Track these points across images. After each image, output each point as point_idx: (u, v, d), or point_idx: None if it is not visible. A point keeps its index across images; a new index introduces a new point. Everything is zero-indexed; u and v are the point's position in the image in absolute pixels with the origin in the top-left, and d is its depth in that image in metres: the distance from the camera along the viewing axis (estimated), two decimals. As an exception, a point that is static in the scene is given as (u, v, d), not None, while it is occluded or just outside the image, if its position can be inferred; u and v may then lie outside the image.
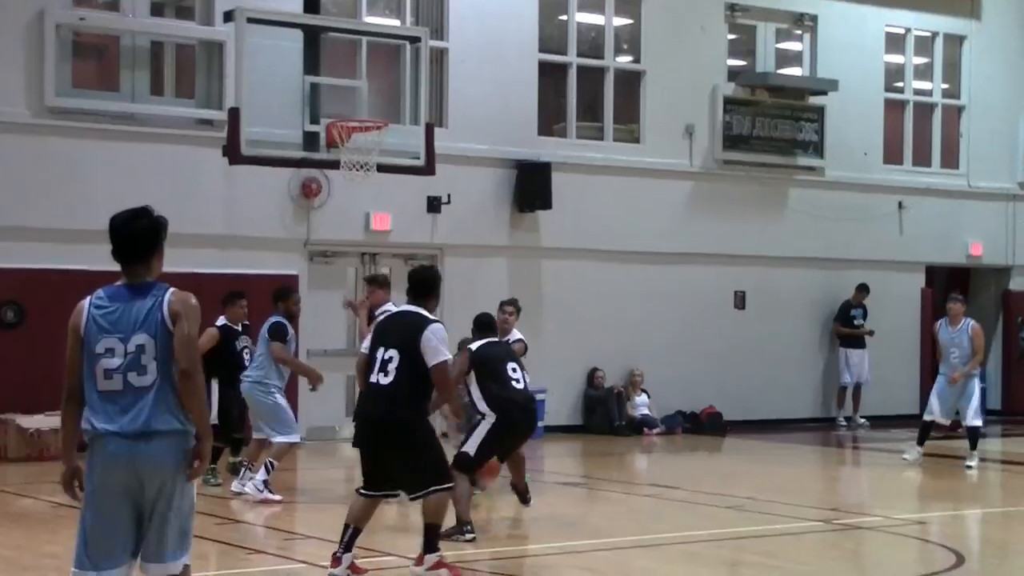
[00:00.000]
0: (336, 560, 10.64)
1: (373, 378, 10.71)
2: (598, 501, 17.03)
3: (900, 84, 28.07)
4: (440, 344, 10.63)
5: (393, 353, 10.64)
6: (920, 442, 19.79)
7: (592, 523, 14.74)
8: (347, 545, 10.64)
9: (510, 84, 23.31)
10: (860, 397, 26.06)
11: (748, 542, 13.61)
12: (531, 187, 23.07)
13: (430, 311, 10.95)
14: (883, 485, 19.35)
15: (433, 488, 10.60)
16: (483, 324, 14.05)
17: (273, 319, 15.64)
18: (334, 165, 18.69)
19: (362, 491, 10.80)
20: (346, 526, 10.68)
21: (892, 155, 27.77)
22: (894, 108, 27.87)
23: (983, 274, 29.13)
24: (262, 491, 15.16)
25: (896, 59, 27.98)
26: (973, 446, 19.58)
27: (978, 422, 19.66)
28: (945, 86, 28.62)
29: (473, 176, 22.59)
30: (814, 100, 26.27)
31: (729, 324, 25.11)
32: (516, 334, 15.59)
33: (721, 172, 25.39)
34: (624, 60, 25.11)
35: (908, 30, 28.02)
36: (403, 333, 10.74)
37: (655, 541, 13.37)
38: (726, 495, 16.27)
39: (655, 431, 23.65)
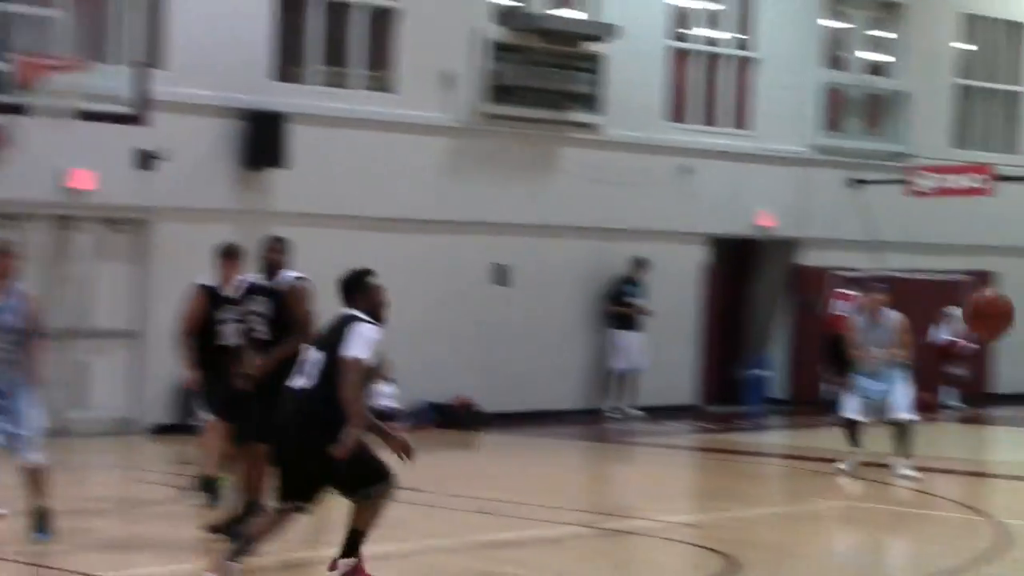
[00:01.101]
0: None
1: None
2: (324, 506, 16.16)
3: (687, 31, 27.91)
4: None
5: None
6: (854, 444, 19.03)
7: (313, 532, 13.67)
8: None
9: (238, 18, 22.47)
10: (634, 385, 25.83)
11: (500, 551, 13.51)
12: (262, 141, 22.37)
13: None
14: (654, 484, 19.31)
15: None
16: None
17: None
18: (24, 110, 18.51)
19: None
20: None
21: (676, 112, 27.68)
22: (680, 59, 27.75)
23: (772, 247, 29.08)
24: None
25: (682, 3, 27.80)
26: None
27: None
28: (736, 36, 28.55)
29: (193, 127, 21.79)
30: (592, 47, 25.80)
31: (489, 302, 24.67)
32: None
33: (483, 127, 24.88)
34: (376, -5, 24.47)
35: (696, -28, 27.84)
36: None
37: (392, 553, 12.65)
38: (478, 498, 16.02)
39: (401, 425, 22.83)
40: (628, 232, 25.81)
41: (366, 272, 11.68)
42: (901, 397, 18.55)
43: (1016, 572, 13.28)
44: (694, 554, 13.54)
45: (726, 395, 28.07)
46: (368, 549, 12.18)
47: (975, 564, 13.00)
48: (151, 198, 21.44)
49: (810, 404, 27.92)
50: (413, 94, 24.15)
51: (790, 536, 15.10)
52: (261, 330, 13.64)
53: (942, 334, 29.19)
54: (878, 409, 18.60)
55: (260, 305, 13.78)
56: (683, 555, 13.79)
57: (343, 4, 23.79)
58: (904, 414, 18.48)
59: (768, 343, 28.84)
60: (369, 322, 11.01)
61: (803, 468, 21.25)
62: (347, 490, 11.04)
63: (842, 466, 18.64)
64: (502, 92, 24.80)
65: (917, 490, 17.78)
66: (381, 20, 24.17)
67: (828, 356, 28.07)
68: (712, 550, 13.13)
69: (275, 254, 14.25)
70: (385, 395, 23.02)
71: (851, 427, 18.69)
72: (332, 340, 11.03)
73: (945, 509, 17.12)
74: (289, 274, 13.98)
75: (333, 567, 10.95)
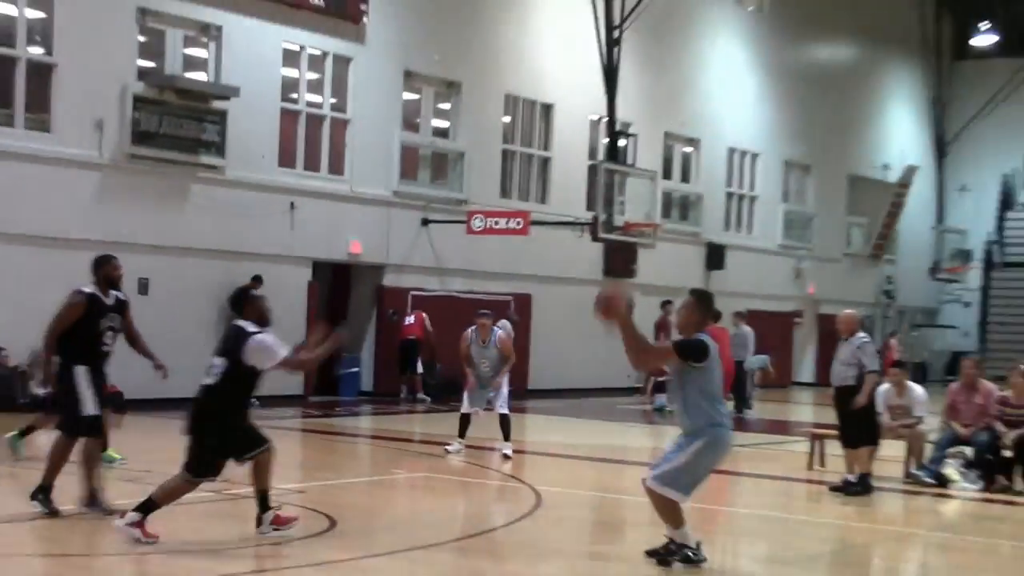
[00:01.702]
0: None
1: None
2: None
3: (295, 95, 27.95)
4: None
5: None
6: (462, 434, 18.79)
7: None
8: None
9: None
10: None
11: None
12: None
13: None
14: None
15: None
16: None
17: None
18: None
19: None
20: None
21: (286, 159, 27.57)
22: (289, 116, 27.71)
23: (362, 270, 29.31)
24: None
25: (292, 73, 27.83)
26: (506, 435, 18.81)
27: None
28: (334, 100, 28.65)
29: None
30: (218, 104, 25.63)
31: (135, 308, 23.82)
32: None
33: (129, 165, 24.39)
34: (37, 51, 23.69)
35: (303, 47, 27.88)
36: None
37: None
38: (121, 468, 15.51)
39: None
40: (248, 254, 25.65)
41: (249, 288, 12.39)
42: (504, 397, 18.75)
43: (548, 526, 13.42)
44: (302, 515, 12.65)
45: (326, 388, 28.08)
46: None
47: (518, 520, 13.39)
48: None
49: (390, 396, 28.63)
50: (69, 135, 23.56)
51: (378, 500, 15.14)
52: None
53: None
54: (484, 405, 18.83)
55: None
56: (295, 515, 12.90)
57: (10, 57, 23.06)
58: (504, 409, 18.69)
59: (359, 346, 29.04)
60: (259, 331, 11.30)
61: (387, 447, 21.42)
62: (238, 456, 11.37)
63: (451, 448, 18.60)
64: (144, 137, 24.39)
65: (479, 465, 17.97)
66: (42, 72, 23.50)
67: (401, 358, 28.92)
68: (316, 511, 13.03)
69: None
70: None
71: (464, 419, 18.70)
72: (229, 347, 11.30)
73: (498, 480, 17.42)
74: None
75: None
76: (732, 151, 40.09)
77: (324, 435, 22.35)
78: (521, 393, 30.62)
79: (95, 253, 22.55)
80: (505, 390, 18.84)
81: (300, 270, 27.38)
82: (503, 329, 20.69)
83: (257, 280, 25.27)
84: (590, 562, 11.87)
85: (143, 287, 24.05)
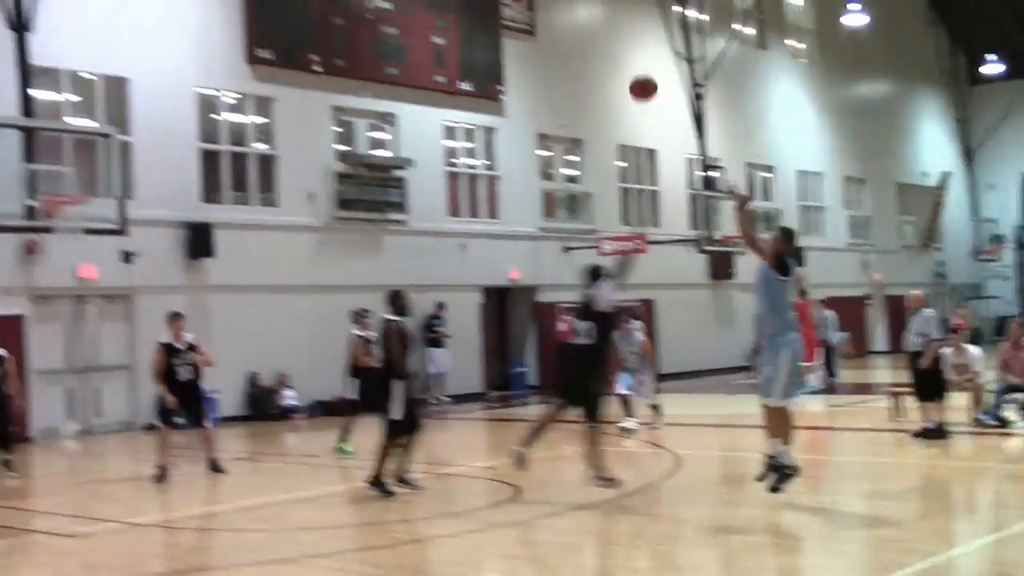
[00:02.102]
0: None
1: None
2: (261, 469, 16.34)
3: (455, 160, 28.13)
4: None
5: None
6: (630, 414, 18.36)
7: (256, 485, 14.06)
8: None
9: (179, 166, 22.39)
10: (442, 382, 25.76)
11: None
12: (198, 241, 22.20)
13: None
14: (463, 443, 19.21)
15: None
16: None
17: None
18: (49, 230, 17.81)
19: None
20: None
21: (454, 210, 27.79)
22: (453, 177, 27.92)
23: (520, 291, 29.40)
24: None
25: (452, 143, 28.06)
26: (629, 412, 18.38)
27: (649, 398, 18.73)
28: (486, 161, 28.83)
29: (155, 234, 21.52)
30: (398, 173, 26.01)
31: (348, 334, 24.29)
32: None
33: (336, 226, 24.86)
34: (262, 147, 24.25)
35: (458, 123, 28.11)
36: None
37: (307, 497, 12.88)
38: (351, 459, 15.83)
39: (300, 416, 23.02)
40: (432, 286, 25.76)
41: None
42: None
43: (688, 481, 13.35)
44: (494, 487, 13.09)
45: (501, 385, 28.37)
46: (290, 496, 12.68)
47: (665, 479, 13.25)
48: (132, 280, 21.25)
49: (552, 388, 28.61)
50: (291, 207, 24.10)
51: (553, 471, 14.60)
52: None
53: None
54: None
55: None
56: (487, 487, 13.42)
57: (243, 154, 23.78)
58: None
59: (524, 350, 29.24)
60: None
61: (556, 429, 21.28)
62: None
63: (626, 424, 18.07)
64: (346, 203, 24.83)
65: (628, 437, 17.55)
66: (267, 162, 24.09)
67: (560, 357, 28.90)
68: (504, 483, 13.02)
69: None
70: (289, 396, 23.27)
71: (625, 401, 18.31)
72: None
73: (646, 448, 17.03)
74: (189, 335, 14.53)
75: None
76: (801, 172, 39.65)
77: (504, 422, 22.41)
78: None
79: (317, 296, 23.65)
80: (648, 379, 18.76)
81: (472, 295, 27.57)
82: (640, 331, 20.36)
83: (441, 306, 25.74)
84: (725, 508, 11.93)
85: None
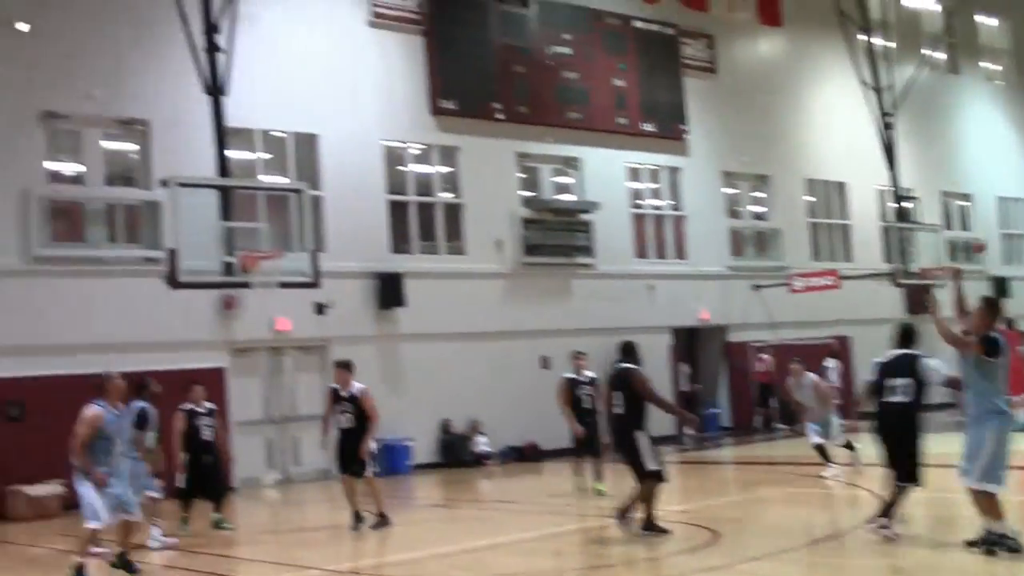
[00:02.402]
0: None
1: None
2: (457, 516, 16.41)
3: (640, 202, 27.99)
4: None
5: None
6: (827, 460, 17.57)
7: (452, 532, 14.09)
8: None
9: (368, 218, 22.80)
10: None
11: (573, 536, 13.31)
12: (389, 291, 22.51)
13: None
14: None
15: None
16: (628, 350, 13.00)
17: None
18: (246, 285, 18.21)
19: None
20: None
21: (640, 251, 27.63)
22: (638, 219, 27.78)
23: (710, 331, 28.99)
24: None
25: (636, 185, 27.93)
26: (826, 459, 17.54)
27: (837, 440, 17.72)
28: (671, 202, 28.59)
29: (347, 286, 21.89)
30: (584, 216, 25.98)
31: (539, 379, 24.10)
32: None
33: (523, 271, 24.97)
34: (448, 196, 24.54)
35: (642, 165, 27.97)
36: None
37: (504, 543, 12.84)
38: (547, 504, 15.98)
39: (493, 462, 23.06)
40: (620, 329, 24.68)
41: (631, 341, 12.76)
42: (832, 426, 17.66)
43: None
44: (687, 531, 12.64)
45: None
46: (487, 542, 12.64)
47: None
48: (325, 332, 21.66)
49: (745, 428, 28.12)
50: (478, 254, 24.32)
51: (750, 513, 14.72)
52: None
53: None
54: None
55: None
56: (683, 532, 12.67)
57: (430, 204, 24.14)
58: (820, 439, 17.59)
59: (715, 391, 28.85)
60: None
61: (751, 470, 21.12)
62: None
63: (825, 473, 17.27)
64: (532, 249, 24.96)
65: (829, 479, 17.06)
66: (454, 211, 24.39)
67: (758, 397, 28.43)
68: (699, 526, 12.79)
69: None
70: (482, 443, 23.35)
71: (820, 449, 17.58)
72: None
73: (845, 490, 16.55)
74: (358, 385, 14.44)
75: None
76: (1002, 199, 38.11)
77: (698, 464, 22.07)
78: (851, 416, 29.84)
79: (506, 342, 23.71)
80: (834, 424, 17.84)
81: (661, 336, 27.18)
82: (821, 372, 19.54)
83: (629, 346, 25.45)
84: (931, 552, 11.38)
85: (545, 363, 24.52)
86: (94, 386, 11.80)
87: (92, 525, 11.08)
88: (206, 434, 14.87)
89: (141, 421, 13.47)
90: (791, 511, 15.12)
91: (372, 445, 14.55)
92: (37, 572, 12.93)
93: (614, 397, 12.58)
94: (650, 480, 12.41)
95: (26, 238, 18.92)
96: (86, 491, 11.12)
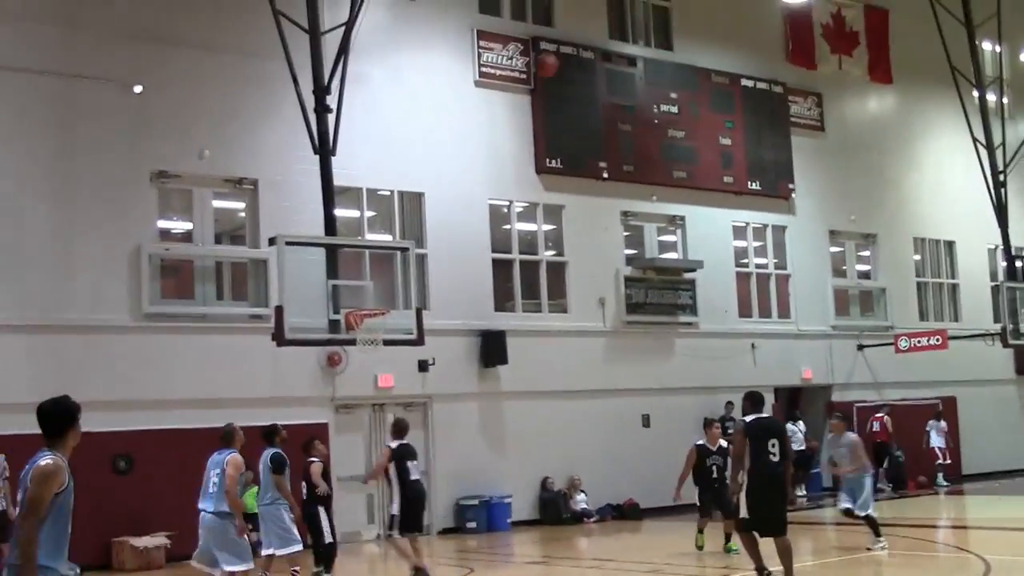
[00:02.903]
0: None
1: None
2: (554, 573, 16.28)
3: (745, 260, 27.74)
4: None
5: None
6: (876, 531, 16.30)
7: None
8: None
9: (472, 276, 22.85)
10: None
11: None
12: (492, 348, 22.50)
13: None
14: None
15: None
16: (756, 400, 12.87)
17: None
18: (351, 342, 18.40)
19: None
20: None
21: (744, 310, 27.34)
22: (742, 278, 27.52)
23: (813, 391, 28.55)
24: None
25: (741, 244, 27.72)
26: (876, 531, 16.24)
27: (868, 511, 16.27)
28: (775, 260, 28.29)
29: (450, 343, 21.92)
30: (687, 275, 25.84)
31: (639, 437, 24.35)
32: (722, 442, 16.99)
33: (626, 330, 24.82)
34: (551, 254, 24.56)
35: (748, 224, 27.78)
36: None
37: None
38: (647, 563, 15.76)
39: (592, 519, 22.88)
40: (722, 388, 25.28)
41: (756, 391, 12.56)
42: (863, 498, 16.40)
43: None
44: None
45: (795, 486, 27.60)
46: None
47: None
48: (427, 389, 21.75)
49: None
50: (580, 312, 24.22)
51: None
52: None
53: (932, 440, 28.82)
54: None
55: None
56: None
57: (534, 262, 24.10)
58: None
59: (818, 450, 28.23)
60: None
61: (856, 530, 20.62)
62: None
63: (873, 546, 15.98)
64: (635, 307, 24.83)
65: (933, 542, 16.87)
66: (557, 269, 24.36)
67: (876, 457, 27.56)
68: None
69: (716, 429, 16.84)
70: (581, 500, 23.17)
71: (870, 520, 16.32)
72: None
73: (953, 553, 16.57)
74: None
75: None
76: (1116, 259, 37.00)
77: (799, 524, 21.55)
78: (956, 478, 29.17)
79: (607, 400, 23.60)
80: (866, 490, 16.50)
81: (765, 395, 26.73)
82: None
83: (731, 405, 25.16)
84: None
85: (645, 421, 24.40)
86: (219, 437, 12.59)
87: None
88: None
89: (278, 466, 13.95)
90: (893, 573, 14.98)
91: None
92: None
93: (771, 445, 12.17)
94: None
95: (137, 295, 19.28)
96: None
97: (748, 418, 12.46)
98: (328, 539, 14.69)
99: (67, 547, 6.66)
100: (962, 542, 16.90)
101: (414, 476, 14.78)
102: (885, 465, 27.61)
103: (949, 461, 28.86)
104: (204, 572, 12.40)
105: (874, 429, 27.22)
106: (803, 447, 25.66)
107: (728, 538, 16.16)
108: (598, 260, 24.68)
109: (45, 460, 6.60)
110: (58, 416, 6.84)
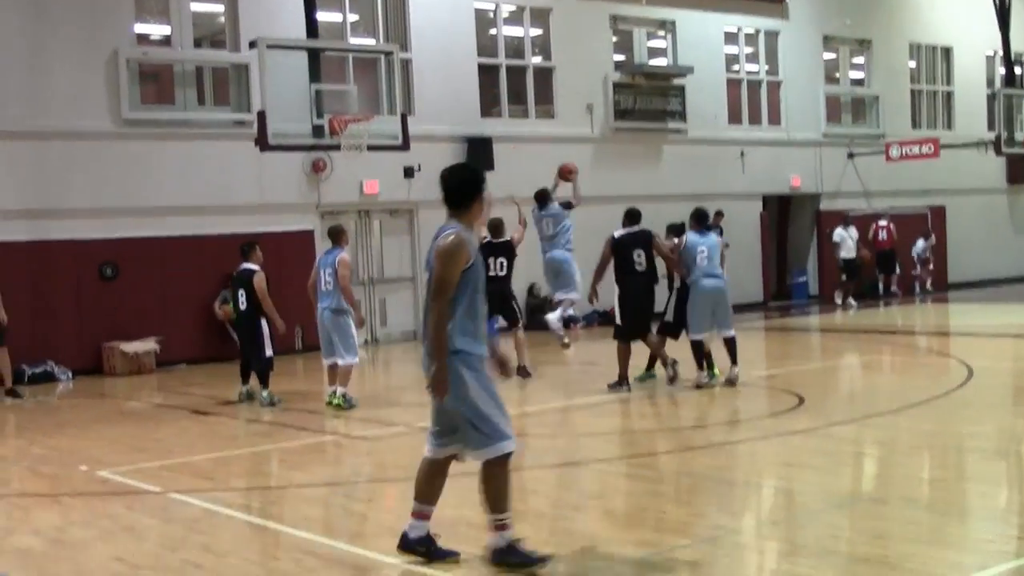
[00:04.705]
0: None
1: None
2: (544, 376, 16.63)
3: (736, 67, 27.60)
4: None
5: None
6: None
7: (537, 392, 14.25)
8: None
9: (459, 81, 22.78)
10: None
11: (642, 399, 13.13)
12: (478, 155, 22.46)
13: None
14: (744, 352, 18.68)
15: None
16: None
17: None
18: (335, 148, 18.56)
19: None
20: None
21: (733, 117, 27.34)
22: (733, 84, 27.43)
23: (801, 199, 28.81)
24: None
25: (732, 50, 27.54)
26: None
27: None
28: (767, 67, 28.17)
29: (436, 149, 21.69)
30: (677, 81, 25.76)
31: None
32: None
33: (614, 136, 24.89)
34: (539, 60, 24.42)
35: (739, 28, 27.55)
36: None
37: (587, 404, 12.98)
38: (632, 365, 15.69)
39: (579, 325, 23.28)
40: (710, 195, 24.75)
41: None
42: None
43: (979, 392, 13.14)
44: (775, 395, 13.11)
45: (781, 294, 28.15)
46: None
47: (955, 389, 12.94)
48: (413, 196, 21.82)
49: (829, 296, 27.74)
50: (568, 119, 24.24)
51: (834, 380, 14.85)
52: None
53: (918, 249, 29.20)
54: None
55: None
56: (769, 396, 13.40)
57: (521, 67, 24.03)
58: None
59: (805, 259, 28.74)
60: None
61: (836, 337, 21.16)
62: None
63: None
64: (624, 114, 24.89)
65: (917, 348, 17.38)
66: (544, 75, 24.28)
67: (881, 265, 27.71)
68: (786, 391, 12.99)
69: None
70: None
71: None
72: None
73: (937, 358, 16.96)
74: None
75: None
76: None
77: (784, 331, 22.17)
78: (942, 286, 29.68)
79: (595, 206, 23.67)
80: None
81: (752, 204, 27.16)
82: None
83: (719, 214, 25.27)
84: (1017, 420, 11.44)
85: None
86: (328, 235, 13.66)
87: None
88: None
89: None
90: (875, 377, 15.28)
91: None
92: (132, 423, 13.41)
93: (636, 255, 13.63)
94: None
95: (116, 101, 19.18)
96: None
97: (616, 232, 13.96)
98: (269, 352, 14.05)
99: (483, 327, 6.37)
100: (947, 347, 17.29)
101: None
102: (897, 271, 27.87)
103: (921, 274, 29.29)
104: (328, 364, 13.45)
105: (880, 237, 27.26)
106: (852, 255, 25.82)
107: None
108: (586, 66, 24.57)
109: (447, 236, 6.23)
110: (461, 185, 6.41)
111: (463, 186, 6.41)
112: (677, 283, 13.98)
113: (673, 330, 14.00)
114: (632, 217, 14.06)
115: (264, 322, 13.94)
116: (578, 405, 13.21)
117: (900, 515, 7.47)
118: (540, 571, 6.35)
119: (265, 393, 13.94)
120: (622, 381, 13.53)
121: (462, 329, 6.27)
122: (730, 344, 13.58)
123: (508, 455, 6.37)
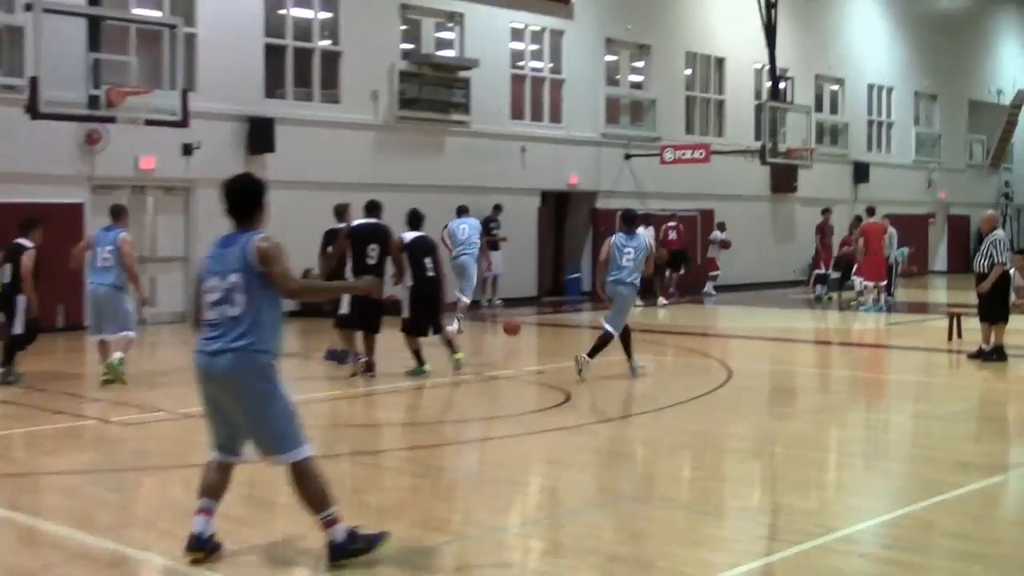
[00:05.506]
0: None
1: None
2: (310, 366, 16.33)
3: (521, 63, 27.79)
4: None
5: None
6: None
7: (300, 382, 14.01)
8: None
9: (244, 60, 22.24)
10: (496, 285, 25.49)
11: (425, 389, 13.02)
12: (259, 135, 22.10)
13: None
14: (514, 347, 18.49)
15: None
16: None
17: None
18: (112, 120, 17.92)
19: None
20: None
21: (516, 112, 27.49)
22: (517, 80, 27.60)
23: (579, 196, 29.18)
24: None
25: (518, 46, 27.70)
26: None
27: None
28: (551, 65, 28.42)
29: (216, 128, 21.38)
30: (463, 74, 25.71)
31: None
32: None
33: (398, 125, 24.68)
34: (326, 43, 24.04)
35: (526, 25, 27.73)
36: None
37: (355, 395, 12.68)
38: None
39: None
40: (491, 188, 25.68)
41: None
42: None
43: (737, 393, 13.53)
44: (543, 392, 13.13)
45: (554, 290, 28.37)
46: None
47: (715, 390, 13.27)
48: (190, 173, 21.24)
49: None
50: (353, 105, 23.91)
51: (604, 378, 14.03)
52: None
53: (711, 250, 29.98)
54: None
55: None
56: (537, 392, 13.47)
57: (307, 49, 23.64)
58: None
59: (579, 255, 29.06)
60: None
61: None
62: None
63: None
64: (408, 103, 24.67)
65: (685, 348, 17.70)
66: (332, 59, 23.89)
67: (675, 264, 28.02)
68: (554, 387, 13.08)
69: None
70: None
71: None
72: None
73: (700, 359, 17.35)
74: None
75: None
76: (871, 86, 38.76)
77: (556, 327, 22.27)
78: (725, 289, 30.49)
79: (375, 194, 23.44)
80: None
81: (531, 199, 27.38)
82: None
83: (498, 208, 25.52)
84: (772, 420, 11.82)
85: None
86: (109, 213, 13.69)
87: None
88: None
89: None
90: (643, 377, 15.39)
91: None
92: None
93: (427, 262, 14.13)
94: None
95: None
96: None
97: (407, 236, 14.38)
98: (19, 329, 13.40)
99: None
100: (710, 349, 17.71)
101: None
102: (682, 271, 28.30)
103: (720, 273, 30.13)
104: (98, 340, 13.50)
105: (671, 237, 27.68)
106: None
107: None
108: (374, 53, 24.33)
109: (261, 237, 6.32)
110: (244, 194, 6.53)
111: (247, 194, 6.41)
112: (409, 282, 13.90)
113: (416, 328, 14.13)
114: (371, 210, 14.88)
115: (22, 298, 13.34)
116: (347, 396, 12.99)
117: (658, 514, 7.61)
118: (304, 566, 6.16)
119: (2, 370, 13.41)
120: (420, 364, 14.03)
121: (275, 330, 6.30)
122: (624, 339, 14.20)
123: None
